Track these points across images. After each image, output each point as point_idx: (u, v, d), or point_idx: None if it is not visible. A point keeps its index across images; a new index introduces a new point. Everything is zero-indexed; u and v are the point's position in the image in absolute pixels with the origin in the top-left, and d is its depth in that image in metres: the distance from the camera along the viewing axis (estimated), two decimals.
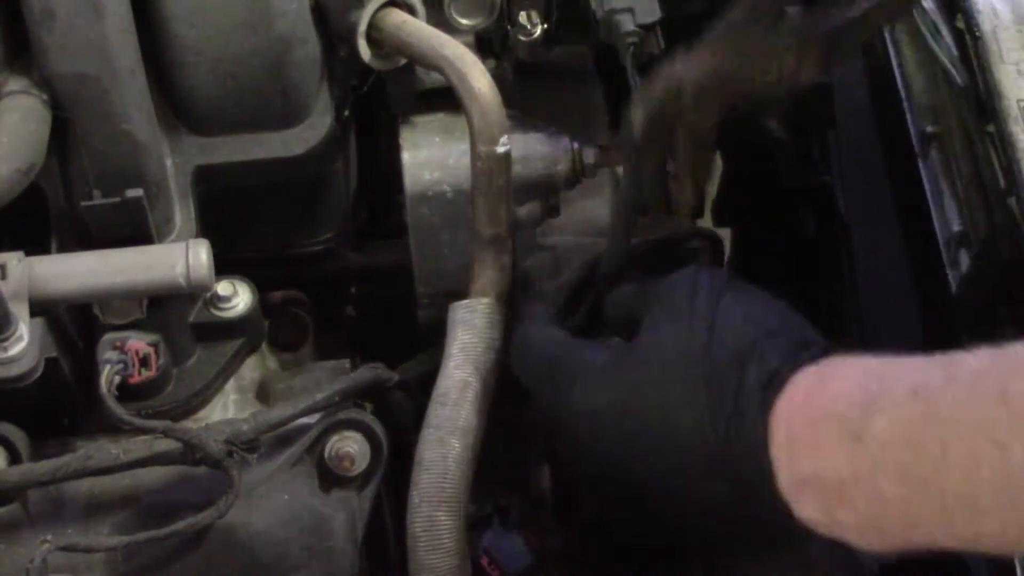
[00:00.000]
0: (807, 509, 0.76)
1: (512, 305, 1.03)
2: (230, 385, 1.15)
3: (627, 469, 0.87)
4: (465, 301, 1.01)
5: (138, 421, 1.01)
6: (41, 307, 1.01)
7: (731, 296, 0.86)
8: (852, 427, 0.72)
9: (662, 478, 0.85)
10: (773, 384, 0.79)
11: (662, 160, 0.95)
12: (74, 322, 1.07)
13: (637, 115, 0.93)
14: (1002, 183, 0.97)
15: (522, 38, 1.13)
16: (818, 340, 0.83)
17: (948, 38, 1.06)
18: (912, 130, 1.13)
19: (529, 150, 1.10)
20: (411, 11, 1.07)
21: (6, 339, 0.98)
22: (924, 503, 0.69)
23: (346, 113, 1.17)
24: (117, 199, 1.03)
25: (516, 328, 0.99)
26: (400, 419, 1.09)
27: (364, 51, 1.07)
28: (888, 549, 0.75)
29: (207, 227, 1.11)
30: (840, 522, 0.75)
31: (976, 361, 0.70)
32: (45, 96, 1.02)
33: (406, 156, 1.13)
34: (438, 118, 1.14)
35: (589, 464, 0.91)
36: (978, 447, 0.66)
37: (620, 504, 0.91)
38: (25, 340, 0.99)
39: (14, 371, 0.98)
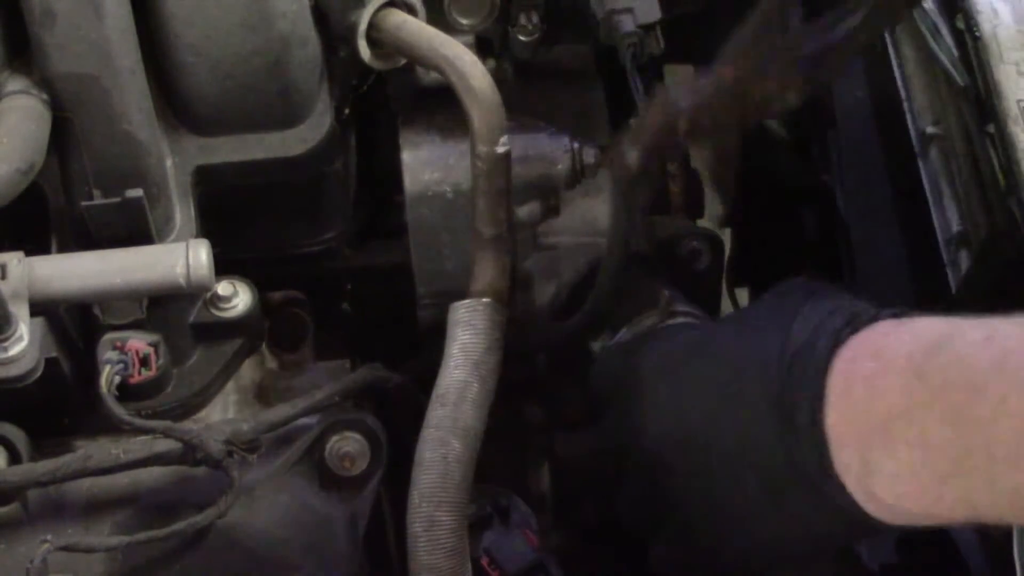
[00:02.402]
0: (847, 451, 0.74)
1: (512, 307, 1.03)
2: (230, 385, 1.15)
3: (693, 409, 0.87)
4: (465, 301, 1.01)
5: (138, 421, 1.01)
6: (41, 307, 1.01)
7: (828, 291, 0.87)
8: (916, 363, 0.71)
9: (722, 409, 0.84)
10: (851, 324, 0.77)
11: (654, 191, 0.96)
12: (74, 322, 1.07)
13: (631, 149, 0.93)
14: (1002, 183, 0.97)
15: (522, 38, 1.13)
16: (902, 310, 0.81)
17: (948, 38, 1.06)
18: (912, 130, 1.13)
19: (529, 150, 1.10)
20: (411, 11, 1.07)
21: (6, 339, 0.98)
22: (971, 451, 0.67)
23: (346, 113, 1.17)
24: (117, 199, 1.03)
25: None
26: (400, 419, 1.09)
27: (364, 51, 1.07)
28: (910, 514, 0.73)
29: (207, 227, 1.11)
30: (876, 467, 0.72)
31: None
32: (45, 96, 1.02)
33: (406, 156, 1.13)
34: (438, 118, 1.14)
35: (656, 412, 0.90)
36: None
37: (667, 471, 0.89)
38: (25, 340, 0.99)
39: (14, 371, 0.98)
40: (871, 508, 0.75)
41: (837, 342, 0.77)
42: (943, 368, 0.70)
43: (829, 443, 0.75)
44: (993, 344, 0.69)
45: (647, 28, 1.02)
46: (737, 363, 0.84)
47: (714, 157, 0.95)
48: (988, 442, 0.67)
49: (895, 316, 0.78)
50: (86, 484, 1.04)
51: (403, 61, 1.09)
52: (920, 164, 1.11)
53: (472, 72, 1.00)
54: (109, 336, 1.05)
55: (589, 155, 1.10)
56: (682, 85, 0.93)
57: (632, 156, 0.93)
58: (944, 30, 1.07)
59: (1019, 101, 0.97)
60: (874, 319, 0.78)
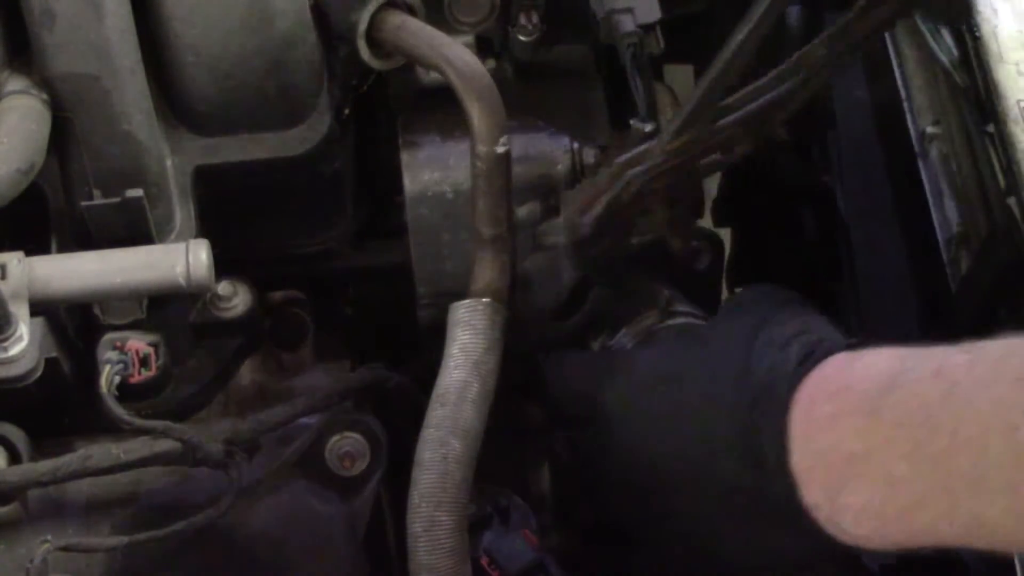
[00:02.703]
0: (814, 490, 0.76)
1: (512, 307, 1.03)
2: (230, 385, 1.15)
3: (661, 443, 0.89)
4: (465, 301, 1.01)
5: (138, 421, 1.01)
6: (41, 307, 1.01)
7: (789, 306, 0.89)
8: (870, 401, 0.73)
9: (692, 454, 0.86)
10: (805, 363, 0.80)
11: (617, 244, 0.98)
12: (74, 322, 1.07)
13: (581, 216, 0.99)
14: (1002, 183, 0.97)
15: (522, 38, 1.13)
16: (857, 341, 0.84)
17: (948, 38, 1.06)
18: (912, 130, 1.12)
19: (529, 150, 1.10)
20: (411, 11, 1.07)
21: (6, 339, 0.98)
22: (931, 484, 0.69)
23: (346, 113, 1.16)
24: (117, 199, 1.03)
25: (549, 368, 1.03)
26: (400, 419, 1.09)
27: (364, 51, 1.07)
28: (883, 543, 0.75)
29: (207, 227, 1.11)
30: (842, 507, 0.75)
31: (999, 347, 0.70)
32: (45, 96, 1.02)
33: (406, 156, 1.13)
34: (438, 118, 1.13)
35: (624, 439, 0.92)
36: (990, 427, 0.66)
37: (639, 494, 0.92)
38: (25, 340, 0.99)
39: (14, 371, 0.98)
40: (844, 539, 0.77)
41: (794, 384, 0.79)
42: (896, 405, 0.72)
43: (797, 483, 0.77)
44: (942, 377, 0.70)
45: (647, 28, 1.02)
46: (701, 399, 0.87)
47: (668, 216, 0.99)
48: (946, 475, 0.69)
49: (850, 347, 0.80)
50: (86, 484, 1.04)
51: (403, 61, 1.09)
52: (920, 164, 1.10)
53: (472, 72, 1.00)
54: (109, 336, 1.05)
55: (589, 155, 1.10)
56: (627, 154, 0.97)
57: (584, 225, 0.98)
58: (944, 30, 1.07)
59: (1019, 101, 0.97)
60: (828, 352, 0.80)
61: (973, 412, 0.68)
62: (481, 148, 0.99)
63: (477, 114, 0.99)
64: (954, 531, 0.70)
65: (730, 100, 0.93)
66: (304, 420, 1.06)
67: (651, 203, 0.97)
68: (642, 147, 0.95)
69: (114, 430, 1.04)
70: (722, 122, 0.93)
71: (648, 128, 0.96)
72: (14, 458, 1.02)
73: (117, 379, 1.03)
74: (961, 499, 0.68)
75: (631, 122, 0.97)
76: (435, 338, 1.03)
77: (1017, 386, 0.66)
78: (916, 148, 1.12)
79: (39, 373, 1.00)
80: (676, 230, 1.01)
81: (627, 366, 0.96)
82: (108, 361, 1.03)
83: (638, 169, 0.95)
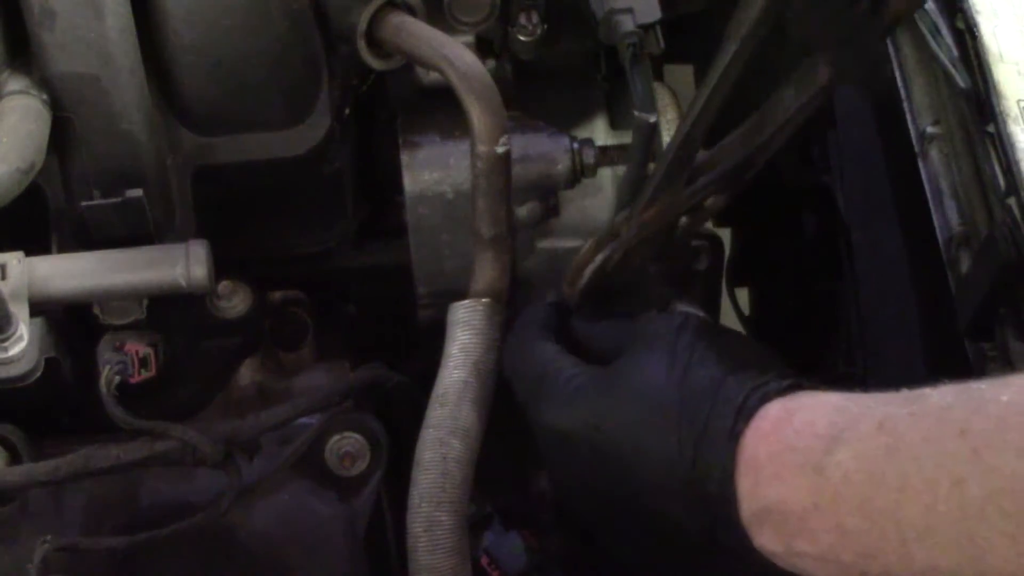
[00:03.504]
0: (767, 539, 0.77)
1: (512, 307, 1.03)
2: (230, 385, 1.15)
3: (595, 489, 0.88)
4: (465, 301, 1.01)
5: (138, 421, 1.01)
6: (41, 307, 1.01)
7: (709, 337, 0.88)
8: (814, 459, 0.74)
9: (630, 499, 0.85)
10: (742, 414, 0.80)
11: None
12: (74, 322, 1.07)
13: (569, 287, 0.98)
14: (1002, 183, 0.97)
15: (522, 38, 1.13)
16: (789, 374, 0.83)
17: (948, 38, 1.06)
18: (912, 130, 1.12)
19: (529, 150, 1.10)
20: (411, 11, 1.07)
21: (6, 339, 0.98)
22: (883, 535, 0.70)
23: (346, 113, 1.16)
24: (117, 199, 1.03)
25: (510, 336, 0.99)
26: (400, 419, 1.09)
27: (364, 51, 1.07)
28: None
29: (207, 227, 1.11)
30: (799, 553, 0.75)
31: (941, 398, 0.71)
32: (45, 96, 1.02)
33: (406, 156, 1.13)
34: (438, 118, 1.13)
35: (561, 479, 0.93)
36: (937, 480, 0.67)
37: (591, 522, 0.93)
38: (25, 340, 0.99)
39: (14, 371, 0.98)
40: None
41: (732, 448, 0.79)
42: (841, 464, 0.72)
43: (750, 533, 0.78)
44: (885, 432, 0.71)
45: (647, 28, 1.02)
46: (632, 449, 0.85)
47: (660, 269, 1.00)
48: (899, 526, 0.69)
49: (780, 393, 0.80)
50: (86, 484, 1.04)
51: (403, 61, 1.09)
52: (920, 164, 1.10)
53: (472, 72, 1.00)
54: (109, 336, 1.05)
55: (589, 155, 1.10)
56: (604, 236, 0.97)
57: (573, 296, 0.98)
58: (944, 30, 1.07)
59: (1019, 101, 0.97)
60: (764, 399, 0.80)
61: (918, 467, 0.68)
62: (481, 148, 0.99)
63: (477, 114, 0.99)
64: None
65: (704, 158, 0.92)
66: (304, 420, 1.07)
67: (638, 263, 0.97)
68: (620, 216, 0.95)
69: (114, 430, 1.04)
70: (698, 183, 0.92)
71: (652, 119, 0.96)
72: (14, 458, 1.03)
73: (117, 379, 1.03)
74: (914, 550, 0.69)
75: (635, 113, 0.97)
76: (435, 338, 1.03)
77: (961, 440, 0.67)
78: (916, 148, 1.11)
79: (39, 373, 1.00)
80: (672, 280, 1.02)
81: (557, 394, 0.92)
82: (108, 361, 1.04)
83: (615, 243, 0.95)
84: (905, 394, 0.73)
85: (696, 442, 0.81)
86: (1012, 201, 0.94)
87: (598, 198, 1.16)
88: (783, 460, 0.76)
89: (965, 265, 1.03)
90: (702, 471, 0.80)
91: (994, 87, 0.98)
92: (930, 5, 1.08)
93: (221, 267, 1.05)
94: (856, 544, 0.72)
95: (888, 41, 1.17)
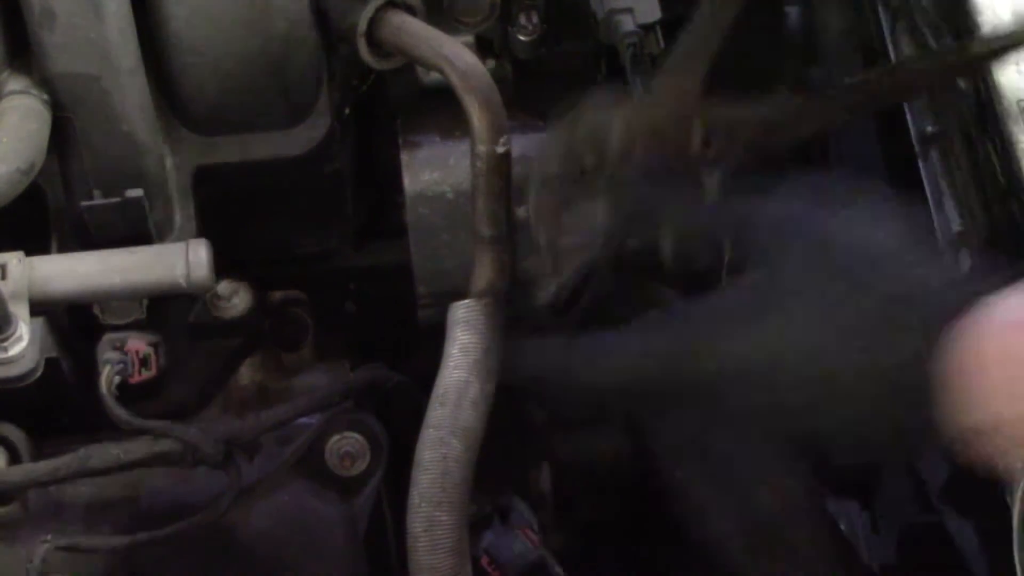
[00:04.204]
0: (985, 455, 0.70)
1: (512, 307, 1.03)
2: (230, 385, 1.15)
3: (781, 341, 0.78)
4: (465, 301, 1.01)
5: (138, 421, 1.01)
6: (41, 307, 1.01)
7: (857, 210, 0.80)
8: None
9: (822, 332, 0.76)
10: (950, 312, 0.71)
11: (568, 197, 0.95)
12: (74, 322, 1.07)
13: (553, 150, 0.94)
14: (1002, 183, 0.97)
15: (522, 38, 1.13)
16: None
17: (948, 38, 1.06)
18: (912, 130, 1.12)
19: (529, 150, 1.10)
20: (411, 11, 1.07)
21: (6, 339, 0.98)
22: None
23: (346, 113, 1.17)
24: (117, 199, 1.03)
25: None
26: (400, 419, 1.09)
27: (364, 51, 1.07)
28: None
29: (207, 227, 1.11)
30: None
31: None
32: (45, 96, 1.02)
33: (406, 156, 1.13)
34: (438, 118, 1.14)
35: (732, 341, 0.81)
36: None
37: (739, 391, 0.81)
38: (25, 340, 0.99)
39: (14, 371, 0.98)
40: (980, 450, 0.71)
41: (942, 332, 0.71)
42: None
43: (963, 445, 0.71)
44: None
45: (647, 28, 1.02)
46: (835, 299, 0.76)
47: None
48: None
49: (990, 288, 0.73)
50: (86, 484, 1.04)
51: (403, 61, 1.09)
52: (920, 164, 1.10)
53: (472, 72, 1.00)
54: (109, 336, 1.05)
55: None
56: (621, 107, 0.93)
57: (553, 158, 0.95)
58: (944, 30, 1.07)
59: (1019, 101, 0.97)
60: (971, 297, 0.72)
61: None
62: (481, 148, 0.99)
63: (477, 114, 0.99)
64: None
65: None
66: (304, 420, 1.07)
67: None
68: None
69: (114, 430, 1.04)
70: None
71: None
72: (14, 458, 1.03)
73: (117, 379, 1.03)
74: None
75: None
76: (435, 338, 1.03)
77: None
78: (916, 148, 1.12)
79: (39, 373, 1.00)
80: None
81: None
82: (108, 361, 1.04)
83: (616, 130, 0.91)
84: None
85: (899, 349, 0.73)
86: (1012, 201, 0.94)
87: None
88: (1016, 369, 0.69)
89: (965, 265, 1.03)
90: (903, 380, 0.72)
91: (994, 87, 0.98)
92: (930, 5, 1.08)
93: (221, 267, 1.05)
94: None
95: (888, 41, 1.17)
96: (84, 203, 1.03)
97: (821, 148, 1.34)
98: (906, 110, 1.13)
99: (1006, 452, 0.70)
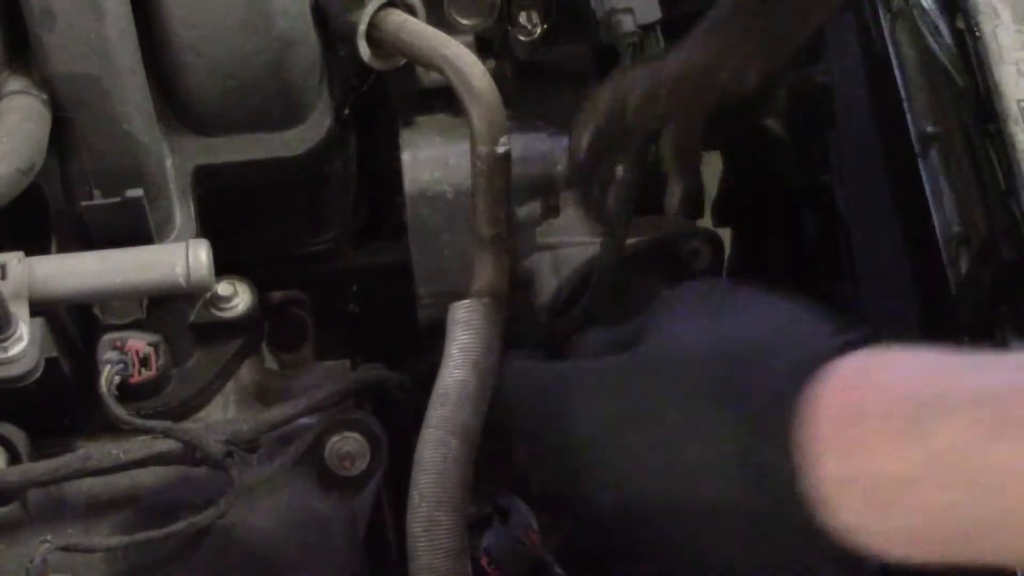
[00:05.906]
0: (847, 512, 0.69)
1: (512, 307, 1.03)
2: (230, 385, 1.15)
3: (634, 483, 0.78)
4: (465, 301, 1.01)
5: (138, 421, 1.01)
6: (41, 307, 1.01)
7: (745, 293, 0.80)
8: (912, 426, 0.67)
9: (679, 478, 0.76)
10: (806, 374, 0.71)
11: (611, 174, 0.95)
12: (74, 322, 1.07)
13: (580, 133, 0.93)
14: (1002, 183, 0.97)
15: (522, 38, 1.13)
16: (855, 329, 0.75)
17: (948, 38, 1.06)
18: (912, 130, 1.12)
19: (529, 150, 1.10)
20: (411, 11, 1.07)
21: (6, 339, 0.98)
22: (988, 511, 0.65)
23: (346, 113, 1.17)
24: (117, 199, 1.03)
25: (504, 366, 0.95)
26: (400, 419, 1.09)
27: (364, 51, 1.07)
28: (928, 559, 0.69)
29: (208, 227, 1.11)
30: (885, 529, 0.69)
31: None
32: (45, 96, 1.02)
33: (406, 156, 1.13)
34: (438, 118, 1.14)
35: (590, 489, 0.81)
36: None
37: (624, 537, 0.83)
38: (25, 340, 0.99)
39: (14, 371, 0.98)
40: (884, 558, 0.71)
41: (800, 394, 0.71)
42: (945, 435, 0.66)
43: (823, 504, 0.70)
44: (985, 403, 0.65)
45: (647, 28, 1.02)
46: (684, 422, 0.76)
47: (676, 143, 0.93)
48: (1006, 504, 0.64)
49: (849, 347, 0.72)
50: (86, 484, 1.04)
51: (403, 61, 1.09)
52: (920, 164, 1.10)
53: (472, 72, 1.00)
54: (109, 336, 1.05)
55: None
56: (640, 68, 0.92)
57: (581, 142, 0.92)
58: (944, 30, 1.07)
59: (1019, 101, 0.97)
60: (830, 357, 0.71)
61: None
62: (481, 148, 0.99)
63: (477, 114, 0.99)
64: (1016, 556, 0.66)
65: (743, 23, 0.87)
66: (304, 420, 1.07)
67: (651, 123, 0.91)
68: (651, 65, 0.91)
69: (114, 430, 1.04)
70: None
71: None
72: (14, 458, 1.03)
73: (117, 379, 1.03)
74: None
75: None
76: (435, 338, 1.03)
77: None
78: (916, 148, 1.12)
79: (39, 373, 1.00)
80: (682, 155, 0.95)
81: (598, 385, 0.82)
82: (108, 361, 1.04)
83: (642, 86, 0.90)
84: (993, 359, 0.68)
85: (755, 412, 0.72)
86: (1012, 201, 0.94)
87: None
88: (871, 426, 0.68)
89: (965, 265, 1.03)
90: (762, 443, 0.71)
91: (994, 87, 0.98)
92: (930, 5, 1.08)
93: (221, 267, 1.05)
94: (956, 520, 0.66)
95: (888, 41, 1.17)
96: (84, 203, 1.03)
97: (821, 149, 1.34)
98: (906, 110, 1.13)
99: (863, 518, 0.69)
